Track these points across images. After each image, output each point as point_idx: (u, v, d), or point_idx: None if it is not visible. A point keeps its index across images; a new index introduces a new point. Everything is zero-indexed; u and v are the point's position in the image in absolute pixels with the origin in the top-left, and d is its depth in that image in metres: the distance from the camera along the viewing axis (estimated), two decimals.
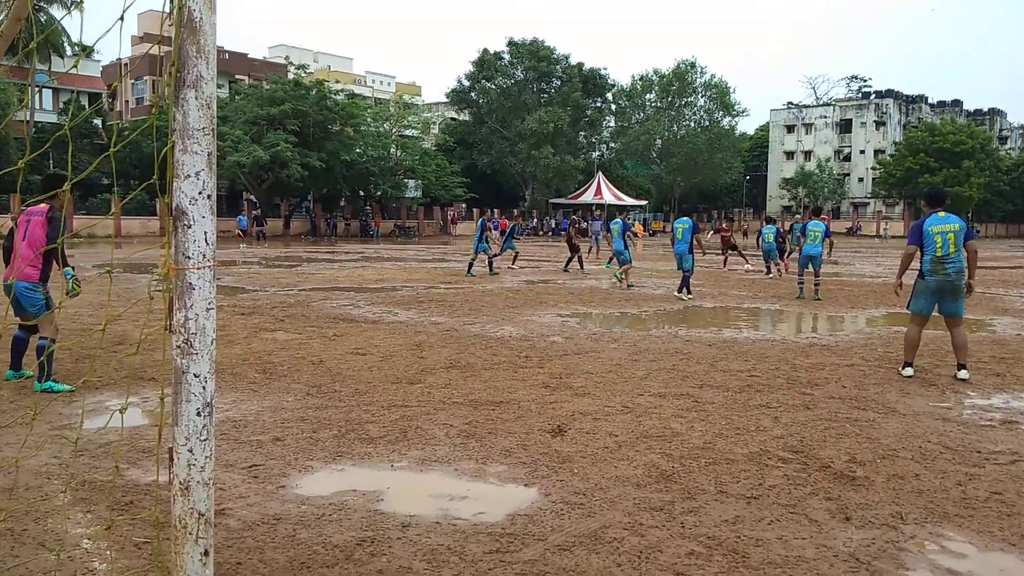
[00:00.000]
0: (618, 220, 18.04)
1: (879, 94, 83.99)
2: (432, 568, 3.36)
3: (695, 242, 14.69)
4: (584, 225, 45.45)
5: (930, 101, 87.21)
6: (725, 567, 3.41)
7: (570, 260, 21.78)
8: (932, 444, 5.28)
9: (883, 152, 77.46)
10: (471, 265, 19.43)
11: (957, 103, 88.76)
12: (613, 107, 67.73)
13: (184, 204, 2.13)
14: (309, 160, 40.81)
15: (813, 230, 14.71)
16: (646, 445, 5.16)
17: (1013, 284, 19.26)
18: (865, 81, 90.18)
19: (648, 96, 69.04)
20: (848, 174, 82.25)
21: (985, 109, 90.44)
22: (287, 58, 53.35)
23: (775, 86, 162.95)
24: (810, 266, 14.78)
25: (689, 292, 14.77)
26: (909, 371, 7.57)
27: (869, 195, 78.72)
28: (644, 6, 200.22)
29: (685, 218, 15.29)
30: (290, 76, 47.18)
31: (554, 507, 4.07)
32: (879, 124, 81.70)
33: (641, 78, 68.62)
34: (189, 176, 2.13)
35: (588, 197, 53.57)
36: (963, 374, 7.44)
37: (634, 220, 55.13)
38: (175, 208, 2.14)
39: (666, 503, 4.14)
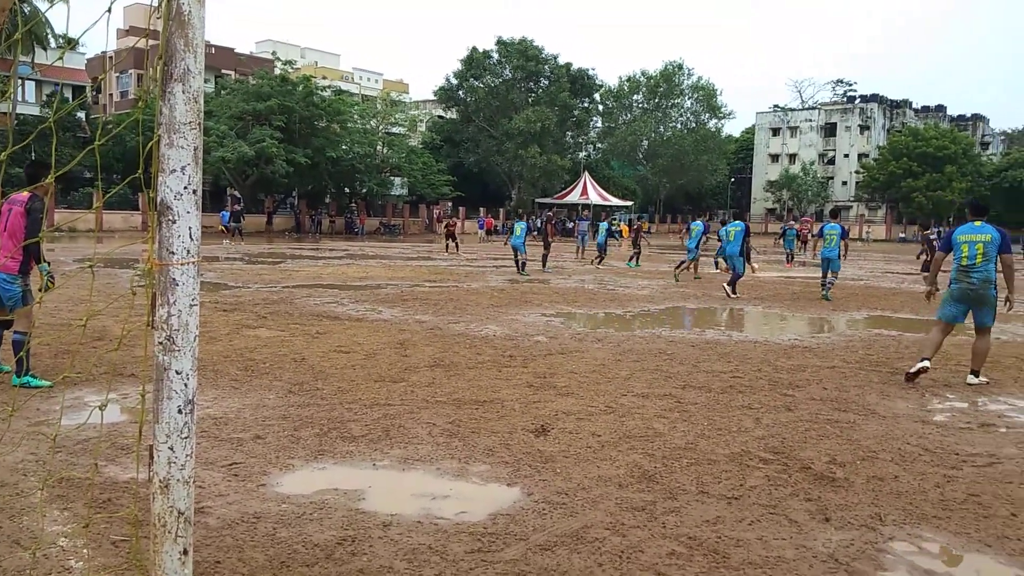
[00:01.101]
0: (699, 223, 18.58)
1: (864, 98, 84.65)
2: (413, 568, 3.35)
3: (745, 246, 14.91)
4: (571, 224, 45.40)
5: (914, 106, 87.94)
6: (706, 567, 3.42)
7: (546, 257, 21.95)
8: (911, 446, 5.33)
9: (867, 156, 78.15)
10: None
11: (941, 108, 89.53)
12: (600, 108, 67.93)
13: (169, 199, 2.12)
14: (294, 156, 40.65)
15: (829, 233, 14.86)
16: (629, 445, 5.17)
17: None
18: (850, 85, 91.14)
19: (635, 97, 69.32)
20: (832, 177, 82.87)
21: (968, 115, 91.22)
22: (274, 53, 53.06)
23: (761, 89, 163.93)
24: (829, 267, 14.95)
25: (735, 292, 14.75)
26: (926, 363, 7.22)
27: (852, 199, 79.34)
28: (633, 8, 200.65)
29: (739, 222, 15.44)
30: (277, 72, 46.95)
31: (536, 507, 4.08)
32: (863, 128, 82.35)
33: (628, 79, 68.88)
34: (175, 171, 2.12)
35: (574, 197, 53.65)
36: (971, 379, 7.42)
37: (619, 220, 55.33)
38: (159, 203, 2.13)
39: (648, 503, 4.15)
